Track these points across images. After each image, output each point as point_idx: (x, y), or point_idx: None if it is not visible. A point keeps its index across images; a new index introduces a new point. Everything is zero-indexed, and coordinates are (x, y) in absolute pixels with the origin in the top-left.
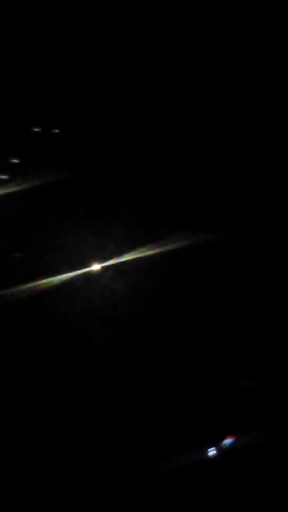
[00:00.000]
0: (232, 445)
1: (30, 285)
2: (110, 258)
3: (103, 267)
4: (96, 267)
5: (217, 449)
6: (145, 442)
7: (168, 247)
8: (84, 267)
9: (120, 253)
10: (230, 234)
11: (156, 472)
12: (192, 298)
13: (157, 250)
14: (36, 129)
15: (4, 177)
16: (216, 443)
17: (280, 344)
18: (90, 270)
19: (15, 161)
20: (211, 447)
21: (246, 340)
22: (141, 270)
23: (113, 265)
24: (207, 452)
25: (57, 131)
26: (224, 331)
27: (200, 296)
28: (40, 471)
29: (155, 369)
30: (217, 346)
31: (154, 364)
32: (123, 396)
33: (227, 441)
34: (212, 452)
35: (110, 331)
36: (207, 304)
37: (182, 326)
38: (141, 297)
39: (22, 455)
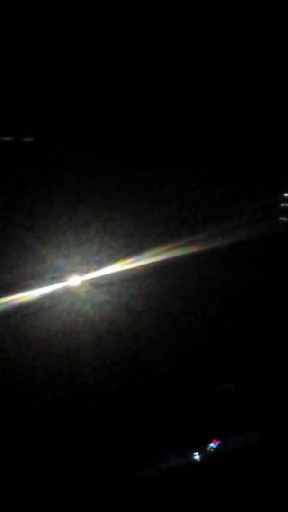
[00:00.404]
0: (217, 448)
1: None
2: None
3: (83, 281)
4: (75, 280)
5: (203, 453)
6: (130, 446)
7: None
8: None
9: (99, 266)
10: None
11: (142, 475)
12: (172, 306)
13: (139, 263)
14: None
15: None
16: (201, 446)
17: (260, 346)
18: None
19: None
20: (197, 450)
21: (227, 343)
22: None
23: (93, 278)
24: (192, 455)
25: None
26: (205, 336)
27: (179, 303)
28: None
29: (138, 375)
30: (199, 351)
31: (137, 371)
32: (107, 402)
33: (213, 444)
34: (197, 455)
35: (90, 344)
36: (187, 312)
37: (163, 333)
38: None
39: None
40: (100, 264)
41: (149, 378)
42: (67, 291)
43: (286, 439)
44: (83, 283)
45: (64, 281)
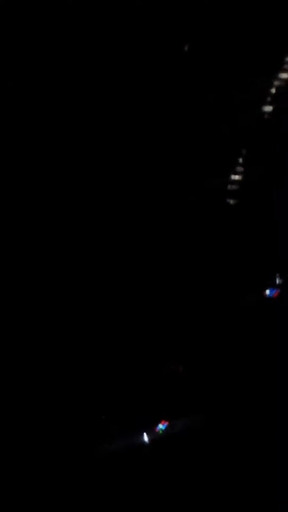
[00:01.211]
0: (165, 430)
1: None
2: None
3: None
4: None
5: (150, 435)
6: (76, 428)
7: None
8: None
9: None
10: None
11: (89, 458)
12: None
13: None
14: None
15: None
16: (148, 428)
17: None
18: None
19: None
20: (144, 432)
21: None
22: None
23: None
24: (140, 437)
25: None
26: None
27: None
28: None
29: (83, 357)
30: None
31: (82, 352)
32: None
33: (161, 426)
34: (145, 437)
35: None
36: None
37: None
38: None
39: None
40: None
41: (95, 359)
42: None
43: (232, 422)
44: None
45: None
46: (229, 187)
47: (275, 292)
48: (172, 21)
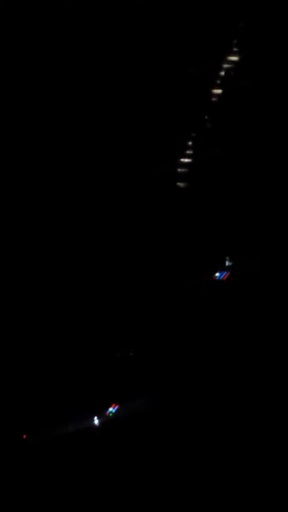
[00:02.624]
0: (116, 413)
1: None
2: None
3: None
4: None
5: (101, 417)
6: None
7: None
8: None
9: None
10: None
11: (42, 440)
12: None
13: None
14: None
15: None
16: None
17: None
18: None
19: None
20: (96, 415)
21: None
22: None
23: None
24: (92, 420)
25: None
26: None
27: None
28: None
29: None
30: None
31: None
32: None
33: (111, 409)
34: (96, 420)
35: None
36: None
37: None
38: None
39: None
40: None
41: (47, 342)
42: None
43: (182, 406)
44: None
45: None
46: (178, 170)
47: (225, 275)
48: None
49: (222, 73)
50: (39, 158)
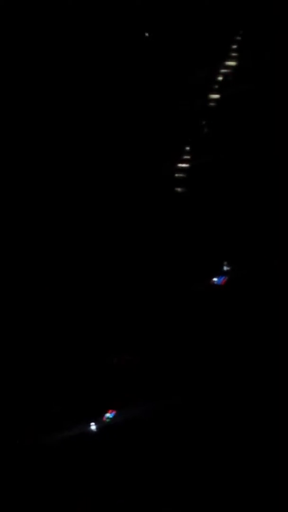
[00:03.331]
0: (113, 418)
1: None
2: None
3: None
4: None
5: (98, 423)
6: (25, 416)
7: None
8: None
9: None
10: None
11: (39, 445)
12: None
13: None
14: None
15: None
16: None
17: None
18: None
19: None
20: (92, 421)
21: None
22: None
23: None
24: (88, 425)
25: None
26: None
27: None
28: None
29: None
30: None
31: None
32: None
33: (109, 414)
34: (93, 425)
35: None
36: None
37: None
38: None
39: None
40: None
41: (45, 348)
42: None
43: (180, 412)
44: None
45: None
46: (176, 175)
47: (223, 279)
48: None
49: (220, 78)
50: (36, 158)
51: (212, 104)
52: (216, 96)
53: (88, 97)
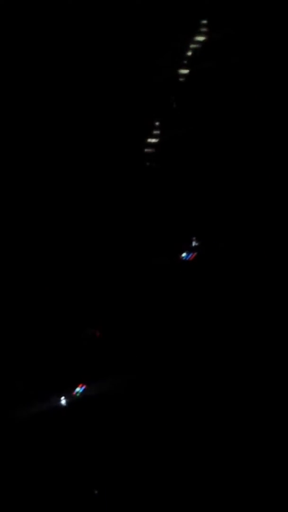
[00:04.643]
0: (83, 392)
1: None
2: None
3: None
4: None
5: (68, 397)
6: None
7: None
8: None
9: None
10: None
11: (8, 420)
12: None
13: None
14: None
15: None
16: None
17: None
18: None
19: None
20: (62, 395)
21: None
22: None
23: None
24: (58, 400)
25: None
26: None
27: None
28: None
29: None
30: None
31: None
32: None
33: (78, 389)
34: (63, 400)
35: None
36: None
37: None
38: None
39: None
40: None
41: (16, 321)
42: None
43: (150, 385)
44: None
45: None
46: (145, 150)
47: (191, 255)
48: None
49: (189, 53)
50: (28, 149)
51: (181, 79)
52: (185, 71)
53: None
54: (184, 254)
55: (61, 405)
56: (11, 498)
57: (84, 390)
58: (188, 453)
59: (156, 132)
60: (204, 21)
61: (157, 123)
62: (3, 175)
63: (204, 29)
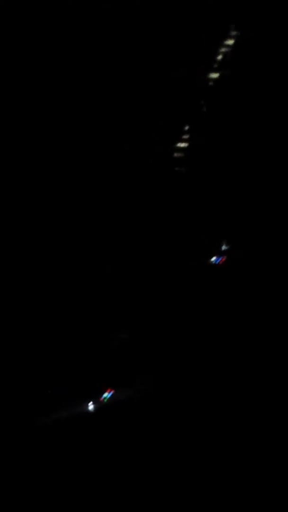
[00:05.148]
0: (111, 398)
1: None
2: None
3: None
4: None
5: (97, 403)
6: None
7: None
8: None
9: None
10: None
11: (37, 425)
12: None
13: None
14: None
15: None
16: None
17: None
18: None
19: None
20: (91, 400)
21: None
22: None
23: None
24: (87, 405)
25: None
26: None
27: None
28: None
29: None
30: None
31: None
32: None
33: (107, 394)
34: (92, 405)
35: None
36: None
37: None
38: None
39: None
40: None
41: (43, 327)
42: None
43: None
44: None
45: None
46: (175, 154)
47: (221, 259)
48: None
49: (220, 57)
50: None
51: (211, 83)
52: (215, 75)
53: (85, 76)
54: (213, 258)
55: (88, 411)
56: (36, 502)
57: (112, 395)
58: (201, 455)
59: (185, 136)
60: (233, 25)
61: (187, 127)
62: (14, 175)
63: (234, 33)
